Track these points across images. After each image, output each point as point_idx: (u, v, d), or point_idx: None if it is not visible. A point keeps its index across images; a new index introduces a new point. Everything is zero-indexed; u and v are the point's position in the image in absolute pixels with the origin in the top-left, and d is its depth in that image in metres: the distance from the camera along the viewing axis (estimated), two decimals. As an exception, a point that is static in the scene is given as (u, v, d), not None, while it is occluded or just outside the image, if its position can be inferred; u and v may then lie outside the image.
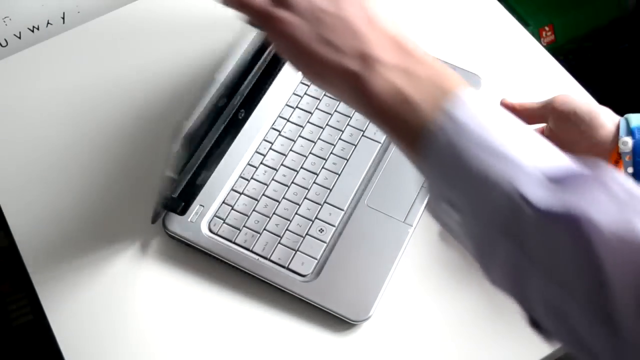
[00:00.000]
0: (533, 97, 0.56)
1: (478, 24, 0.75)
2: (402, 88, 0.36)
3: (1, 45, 0.81)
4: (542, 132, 0.55)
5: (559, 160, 0.33)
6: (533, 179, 0.31)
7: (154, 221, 0.59)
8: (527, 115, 0.55)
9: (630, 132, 0.47)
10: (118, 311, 0.58)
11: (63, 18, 0.84)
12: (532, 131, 0.34)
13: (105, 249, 0.61)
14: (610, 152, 0.48)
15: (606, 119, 0.49)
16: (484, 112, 0.34)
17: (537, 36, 1.34)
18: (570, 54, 1.36)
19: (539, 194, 0.31)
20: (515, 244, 0.32)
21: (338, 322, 0.56)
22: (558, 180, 0.31)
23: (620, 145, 0.47)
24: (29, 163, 0.66)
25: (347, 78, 0.38)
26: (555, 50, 1.28)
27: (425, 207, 0.37)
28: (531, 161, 0.32)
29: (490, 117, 0.34)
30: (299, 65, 0.40)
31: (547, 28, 1.35)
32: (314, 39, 0.38)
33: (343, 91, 0.39)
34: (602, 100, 0.58)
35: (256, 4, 0.40)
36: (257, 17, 0.40)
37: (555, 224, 0.30)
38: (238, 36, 0.53)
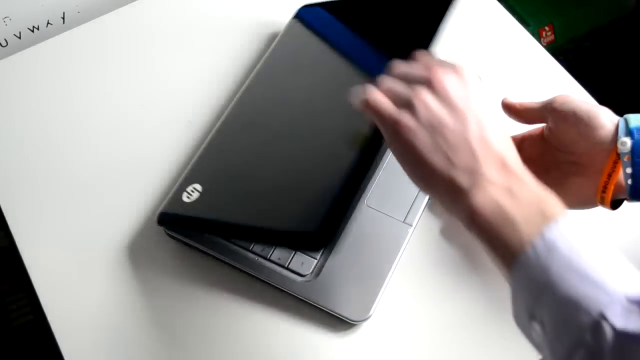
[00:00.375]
0: (533, 97, 0.56)
1: (478, 24, 0.75)
2: (504, 206, 0.39)
3: (1, 45, 0.81)
4: (542, 133, 0.55)
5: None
6: (616, 302, 0.34)
7: (160, 223, 0.59)
8: (527, 115, 0.55)
9: (629, 132, 0.47)
10: (118, 311, 0.58)
11: (63, 18, 0.84)
12: (620, 257, 0.37)
13: (105, 249, 0.61)
14: (609, 153, 0.48)
15: (605, 119, 0.49)
16: (578, 237, 0.37)
17: (537, 36, 1.34)
18: (570, 54, 1.36)
19: (619, 315, 0.34)
20: (592, 356, 0.34)
21: (338, 322, 0.56)
22: (639, 303, 0.34)
23: (619, 146, 0.47)
24: (29, 163, 0.67)
25: (453, 189, 0.40)
26: (555, 50, 1.28)
27: (513, 318, 0.41)
28: (617, 286, 0.35)
29: (582, 243, 0.37)
30: (409, 168, 0.43)
31: (547, 28, 1.35)
32: (430, 148, 0.41)
33: (445, 200, 0.42)
34: (601, 100, 0.58)
35: (385, 109, 0.43)
36: (384, 121, 0.43)
37: (631, 342, 0.33)
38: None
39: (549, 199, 0.39)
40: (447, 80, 0.43)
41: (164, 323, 0.57)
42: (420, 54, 0.47)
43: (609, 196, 0.49)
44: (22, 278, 0.60)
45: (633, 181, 0.47)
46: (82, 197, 0.64)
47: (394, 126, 0.42)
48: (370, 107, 0.44)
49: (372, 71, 0.65)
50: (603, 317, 0.34)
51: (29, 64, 0.74)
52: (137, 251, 0.60)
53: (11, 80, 0.73)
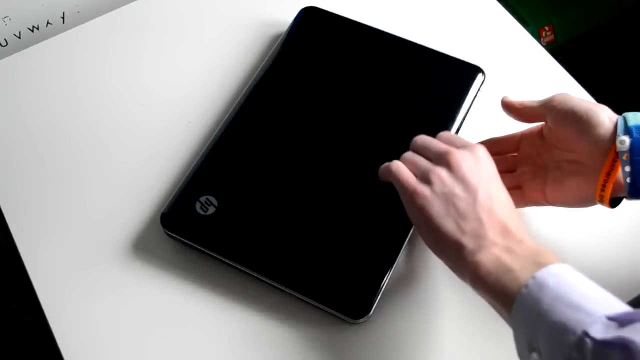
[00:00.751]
0: (533, 97, 0.56)
1: (478, 24, 0.75)
2: (503, 260, 0.45)
3: (1, 45, 0.82)
4: (541, 131, 0.55)
5: (619, 307, 0.40)
6: (597, 320, 0.39)
7: (164, 224, 0.59)
8: (526, 114, 0.55)
9: (628, 130, 0.47)
10: (118, 311, 0.58)
11: (63, 18, 0.84)
12: (601, 288, 0.42)
13: (105, 248, 0.61)
14: (608, 151, 0.48)
15: (604, 117, 0.49)
16: (565, 274, 0.42)
17: (537, 36, 1.34)
18: (570, 54, 1.36)
19: (600, 331, 0.38)
20: None
21: (338, 322, 0.56)
22: (616, 320, 0.39)
23: (618, 144, 0.47)
24: (29, 163, 0.67)
25: (460, 251, 0.46)
26: (555, 50, 1.28)
27: (518, 356, 0.45)
28: (598, 309, 0.40)
29: (568, 277, 0.42)
30: (424, 232, 0.49)
31: (547, 28, 1.35)
32: (443, 216, 0.47)
33: (454, 260, 0.47)
34: (601, 100, 0.58)
35: (406, 179, 0.50)
36: (404, 190, 0.50)
37: (610, 350, 0.37)
38: None
39: (544, 253, 0.45)
40: (463, 160, 0.49)
41: (164, 323, 0.57)
42: (442, 134, 0.54)
43: (608, 194, 0.49)
44: (22, 278, 0.60)
45: (632, 179, 0.47)
46: (82, 196, 0.64)
47: (412, 194, 0.49)
48: (393, 175, 0.51)
49: (369, 81, 0.66)
50: (586, 334, 0.38)
51: (29, 64, 0.74)
52: (136, 251, 0.60)
53: (11, 80, 0.73)
